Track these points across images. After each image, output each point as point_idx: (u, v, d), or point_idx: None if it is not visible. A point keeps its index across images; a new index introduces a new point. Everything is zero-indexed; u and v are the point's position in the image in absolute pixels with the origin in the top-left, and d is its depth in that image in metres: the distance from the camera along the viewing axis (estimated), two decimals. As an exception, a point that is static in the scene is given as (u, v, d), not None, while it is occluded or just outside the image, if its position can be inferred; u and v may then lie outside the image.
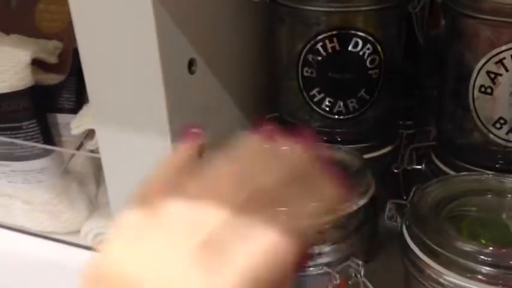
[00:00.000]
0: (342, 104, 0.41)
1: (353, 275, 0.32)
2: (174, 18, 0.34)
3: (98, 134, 0.39)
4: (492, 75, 0.35)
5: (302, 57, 0.40)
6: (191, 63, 0.37)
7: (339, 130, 0.42)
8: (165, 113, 0.35)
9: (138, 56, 0.34)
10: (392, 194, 0.46)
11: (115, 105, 0.37)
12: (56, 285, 0.45)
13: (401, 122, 0.45)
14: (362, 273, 0.33)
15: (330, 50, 0.39)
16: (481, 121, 0.36)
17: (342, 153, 0.38)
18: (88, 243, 0.48)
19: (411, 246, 0.31)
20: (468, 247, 0.29)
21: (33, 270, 0.47)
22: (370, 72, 0.40)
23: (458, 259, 0.29)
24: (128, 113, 0.37)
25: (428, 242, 0.30)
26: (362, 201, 0.34)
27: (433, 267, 0.30)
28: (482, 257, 0.28)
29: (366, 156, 0.42)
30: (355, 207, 0.32)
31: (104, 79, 0.37)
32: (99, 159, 0.40)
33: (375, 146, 0.43)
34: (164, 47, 0.34)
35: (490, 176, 0.35)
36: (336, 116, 0.42)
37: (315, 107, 0.42)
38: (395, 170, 0.43)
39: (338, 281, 0.32)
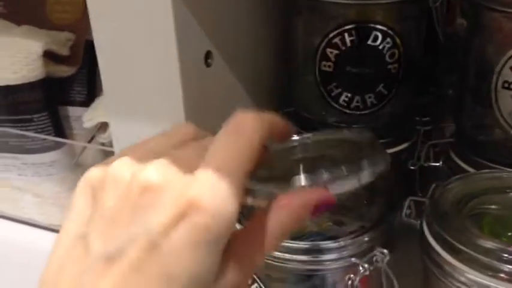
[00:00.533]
0: (359, 99, 0.40)
1: (378, 264, 0.31)
2: (191, 10, 0.34)
3: (112, 127, 0.38)
4: (516, 71, 0.34)
5: (320, 51, 0.40)
6: (207, 56, 0.37)
7: (355, 126, 0.42)
8: (181, 105, 0.35)
9: (154, 47, 0.34)
10: (408, 192, 0.45)
11: (130, 97, 0.36)
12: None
13: (418, 118, 0.44)
14: (385, 263, 0.32)
15: (348, 44, 0.39)
16: (503, 117, 0.36)
17: (352, 133, 0.35)
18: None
19: (432, 244, 0.31)
20: (491, 245, 0.28)
21: (43, 264, 0.47)
22: (389, 66, 0.39)
23: (480, 257, 0.28)
24: (143, 106, 0.36)
25: (450, 239, 0.29)
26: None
27: (454, 265, 0.29)
28: (505, 255, 0.28)
29: (382, 152, 0.42)
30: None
31: (119, 71, 0.36)
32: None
33: (391, 142, 0.42)
34: (181, 38, 0.33)
35: (511, 173, 0.35)
36: (353, 111, 0.41)
37: (331, 101, 0.41)
38: (411, 167, 0.42)
39: (368, 272, 0.31)
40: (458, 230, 0.30)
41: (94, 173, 0.22)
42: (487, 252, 0.28)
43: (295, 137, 0.33)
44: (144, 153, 0.22)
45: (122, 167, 0.21)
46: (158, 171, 0.20)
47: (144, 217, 0.19)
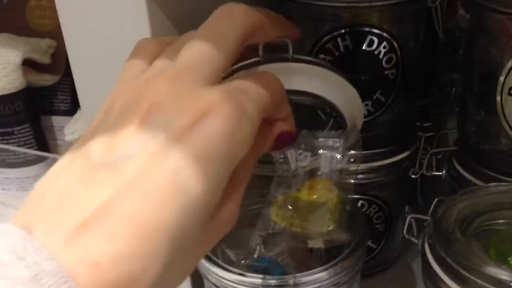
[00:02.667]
0: (355, 106, 0.38)
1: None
2: (169, 18, 0.31)
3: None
4: (523, 77, 0.31)
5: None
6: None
7: (352, 135, 0.39)
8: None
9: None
10: (409, 202, 0.43)
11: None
12: None
13: (419, 124, 0.42)
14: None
15: (342, 49, 0.36)
16: (509, 125, 0.33)
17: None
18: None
19: (435, 269, 0.28)
20: (498, 272, 0.26)
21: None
22: (386, 72, 0.37)
23: (485, 284, 0.26)
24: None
25: (454, 265, 0.27)
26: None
27: (459, 292, 0.27)
28: (514, 282, 0.25)
29: (382, 162, 0.39)
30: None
31: (95, 85, 0.34)
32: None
33: (391, 151, 0.40)
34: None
35: (520, 187, 0.32)
36: (349, 120, 0.39)
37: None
38: (412, 176, 0.40)
39: None
40: (463, 254, 0.27)
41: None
42: (494, 281, 0.26)
43: None
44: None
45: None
46: (165, 85, 0.20)
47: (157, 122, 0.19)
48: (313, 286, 0.29)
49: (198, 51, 0.21)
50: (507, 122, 0.33)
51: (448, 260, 0.27)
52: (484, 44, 0.33)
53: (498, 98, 0.33)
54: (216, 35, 0.21)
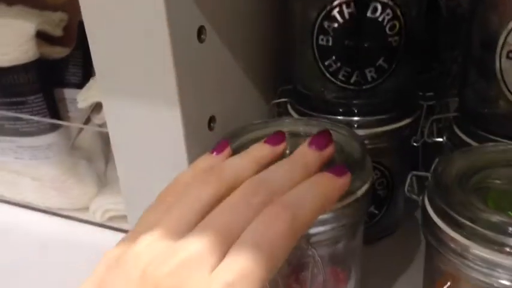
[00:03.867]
0: (359, 73, 0.39)
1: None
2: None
3: (105, 107, 0.37)
4: (521, 39, 0.33)
5: (317, 24, 0.38)
6: (200, 32, 0.35)
7: (355, 101, 0.41)
8: (174, 83, 0.34)
9: (145, 24, 0.33)
10: (411, 168, 0.44)
11: (122, 76, 0.36)
12: (65, 261, 0.45)
13: (421, 94, 0.43)
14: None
15: (347, 16, 0.37)
16: (508, 88, 0.34)
17: (339, 135, 0.34)
18: (97, 220, 0.47)
19: (434, 219, 0.29)
20: (496, 218, 0.27)
21: (42, 247, 0.47)
22: (389, 39, 0.38)
23: (485, 231, 0.27)
24: (135, 84, 0.35)
25: (452, 213, 0.28)
26: (358, 194, 0.31)
27: (457, 240, 0.28)
28: (510, 228, 0.26)
29: (384, 128, 0.41)
30: (350, 200, 0.29)
31: (110, 49, 0.35)
32: (107, 135, 0.38)
33: (393, 117, 0.41)
34: (172, 14, 0.32)
35: (517, 146, 0.33)
36: (353, 87, 0.40)
37: (330, 77, 0.40)
38: (414, 143, 0.41)
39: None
40: (462, 204, 0.29)
41: (109, 255, 0.22)
42: (491, 226, 0.27)
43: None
44: (169, 229, 0.21)
45: (134, 261, 0.21)
46: (172, 272, 0.19)
47: None
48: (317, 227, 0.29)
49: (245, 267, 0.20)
50: (506, 86, 0.34)
51: (447, 209, 0.29)
52: (483, 10, 0.34)
53: (497, 62, 0.34)
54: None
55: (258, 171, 0.25)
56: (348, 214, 0.30)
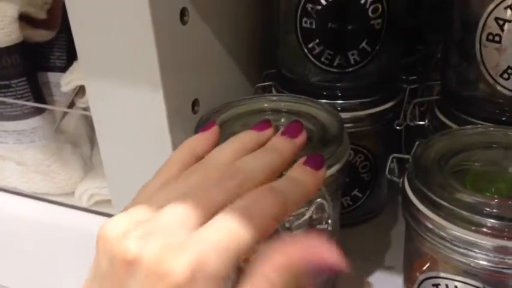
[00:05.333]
0: (342, 56, 0.39)
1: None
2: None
3: (88, 90, 0.37)
4: (501, 22, 0.33)
5: (301, 6, 0.38)
6: (183, 13, 0.35)
7: (339, 84, 0.41)
8: (157, 65, 0.34)
9: (127, 5, 0.33)
10: (394, 151, 0.45)
11: (104, 59, 0.35)
12: (51, 246, 0.45)
13: (404, 77, 0.43)
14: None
15: (330, -1, 0.37)
16: (488, 71, 0.35)
17: (321, 111, 0.36)
18: (83, 204, 0.48)
19: (413, 200, 0.30)
20: (472, 199, 0.28)
21: (27, 232, 0.47)
22: (372, 22, 0.38)
23: (462, 212, 0.27)
24: (118, 67, 0.35)
25: (431, 195, 0.29)
26: (333, 170, 0.32)
27: (436, 221, 0.29)
28: (487, 209, 0.27)
29: (367, 112, 0.41)
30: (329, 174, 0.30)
31: (92, 31, 0.35)
32: (91, 118, 0.38)
33: (376, 101, 0.41)
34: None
35: (496, 128, 0.34)
36: (336, 70, 0.40)
37: (314, 60, 0.40)
38: (397, 127, 0.41)
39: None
40: (440, 186, 0.29)
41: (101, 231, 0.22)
42: (468, 206, 0.27)
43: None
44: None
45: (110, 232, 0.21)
46: (137, 243, 0.20)
47: None
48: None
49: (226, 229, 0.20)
50: (486, 68, 0.35)
51: (426, 191, 0.29)
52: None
53: (477, 45, 0.34)
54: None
55: None
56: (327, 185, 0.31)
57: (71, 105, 0.45)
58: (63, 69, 0.47)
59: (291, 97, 0.38)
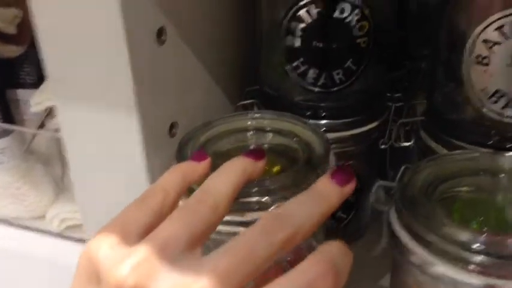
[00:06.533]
0: (327, 75, 0.38)
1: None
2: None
3: (58, 111, 0.35)
4: (489, 44, 0.32)
5: (284, 24, 0.37)
6: (160, 33, 0.34)
7: (323, 104, 0.39)
8: (132, 87, 0.32)
9: (100, 24, 0.31)
10: (379, 171, 0.44)
11: (76, 79, 0.33)
12: (21, 272, 0.43)
13: (389, 95, 0.42)
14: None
15: (314, 17, 0.36)
16: (475, 94, 0.34)
17: (307, 130, 0.35)
18: (54, 229, 0.45)
19: (399, 233, 0.29)
20: (461, 234, 0.26)
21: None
22: (358, 40, 0.37)
23: (450, 247, 0.26)
24: (90, 89, 0.33)
25: (418, 228, 0.27)
26: None
27: (422, 256, 0.27)
28: (476, 245, 0.26)
29: (352, 132, 0.40)
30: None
31: (62, 50, 0.33)
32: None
33: (361, 120, 0.40)
34: (129, 14, 0.30)
35: (484, 154, 0.33)
36: (321, 89, 0.39)
37: (298, 79, 0.39)
38: (382, 146, 0.40)
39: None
40: (427, 218, 0.28)
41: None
42: (456, 242, 0.26)
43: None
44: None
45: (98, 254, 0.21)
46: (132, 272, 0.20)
47: None
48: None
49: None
50: (473, 91, 0.34)
51: (413, 224, 0.28)
52: (452, 13, 0.33)
53: (465, 67, 0.33)
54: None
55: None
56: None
57: (42, 125, 0.43)
58: (34, 85, 0.45)
59: (275, 115, 0.37)
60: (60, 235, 0.45)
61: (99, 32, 0.31)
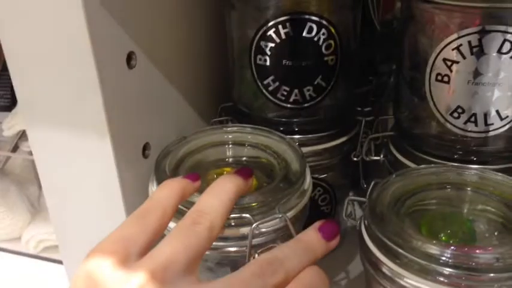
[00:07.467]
0: (298, 92, 0.39)
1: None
2: (107, 8, 0.31)
3: (30, 135, 0.35)
4: (449, 63, 0.33)
5: (254, 44, 0.38)
6: (130, 57, 0.34)
7: (295, 120, 0.40)
8: (103, 111, 0.32)
9: (69, 50, 0.31)
10: (351, 185, 0.45)
11: (46, 103, 0.33)
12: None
13: (359, 109, 0.43)
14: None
15: (283, 36, 0.37)
16: (438, 110, 0.35)
17: (283, 145, 0.36)
18: (30, 251, 0.45)
19: (370, 247, 0.30)
20: (428, 247, 0.27)
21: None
22: (326, 58, 0.38)
23: (418, 260, 0.27)
24: (61, 112, 0.33)
25: (387, 242, 0.28)
26: (297, 209, 0.32)
27: (393, 269, 0.28)
28: (444, 257, 0.27)
29: (325, 146, 0.41)
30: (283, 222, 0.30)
31: (31, 75, 0.33)
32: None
33: (333, 134, 0.41)
34: (98, 39, 0.30)
35: (449, 168, 0.34)
36: (293, 105, 0.39)
37: (270, 96, 0.39)
38: (354, 159, 0.41)
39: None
40: (396, 232, 0.29)
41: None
42: (425, 255, 0.27)
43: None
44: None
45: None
46: None
47: None
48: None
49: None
50: (436, 108, 0.35)
51: (382, 238, 0.29)
52: (413, 33, 0.35)
53: (427, 84, 0.34)
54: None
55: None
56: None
57: (15, 148, 0.42)
58: (8, 108, 0.45)
59: (252, 129, 0.38)
60: (37, 256, 0.45)
61: (68, 56, 0.31)
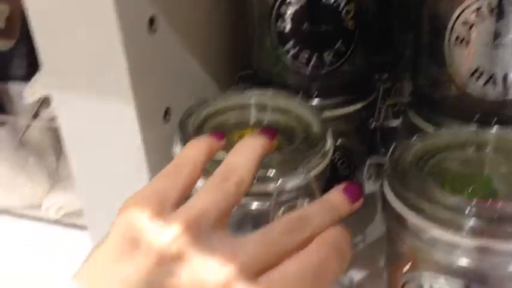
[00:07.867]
0: (317, 57, 0.39)
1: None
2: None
3: (54, 101, 0.35)
4: (468, 26, 0.33)
5: (275, 9, 0.38)
6: (152, 21, 0.34)
7: (315, 85, 0.41)
8: (127, 75, 0.33)
9: (93, 15, 0.31)
10: (369, 150, 0.45)
11: (71, 68, 0.34)
12: (20, 260, 0.43)
13: (377, 76, 0.44)
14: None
15: (303, 1, 0.37)
16: (457, 73, 0.35)
17: (304, 109, 0.36)
18: (51, 216, 0.46)
19: (393, 203, 0.30)
20: (453, 200, 0.28)
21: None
22: (345, 23, 0.38)
23: (441, 213, 0.28)
24: (85, 77, 0.34)
25: (411, 197, 0.29)
26: (318, 169, 0.32)
27: (416, 223, 0.29)
28: (467, 210, 0.27)
29: (343, 111, 0.41)
30: (306, 180, 0.30)
31: (56, 40, 0.33)
32: (56, 129, 0.37)
33: (351, 100, 0.41)
34: (121, 4, 0.31)
35: (470, 129, 0.34)
36: (312, 70, 0.40)
37: (289, 62, 0.40)
38: (373, 124, 0.42)
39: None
40: (419, 188, 0.29)
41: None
42: (448, 208, 0.27)
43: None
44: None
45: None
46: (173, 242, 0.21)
47: None
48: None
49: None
50: (455, 71, 0.35)
51: (405, 193, 0.29)
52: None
53: (446, 48, 0.35)
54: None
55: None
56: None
57: (35, 116, 0.43)
58: (24, 78, 0.45)
59: (273, 92, 0.38)
60: (57, 222, 0.46)
61: (93, 21, 0.31)
